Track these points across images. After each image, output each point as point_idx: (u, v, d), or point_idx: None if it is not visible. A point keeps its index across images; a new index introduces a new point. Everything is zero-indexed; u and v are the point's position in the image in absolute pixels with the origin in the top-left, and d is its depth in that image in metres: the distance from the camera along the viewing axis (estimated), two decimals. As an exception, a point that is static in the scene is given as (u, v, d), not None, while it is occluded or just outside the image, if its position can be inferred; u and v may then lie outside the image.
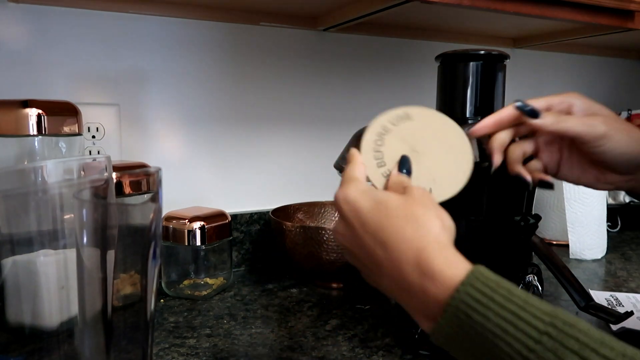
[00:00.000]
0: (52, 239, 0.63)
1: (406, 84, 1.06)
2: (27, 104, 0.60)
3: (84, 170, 0.69)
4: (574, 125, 0.43)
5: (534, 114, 0.44)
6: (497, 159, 0.46)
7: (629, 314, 0.53)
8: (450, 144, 0.45)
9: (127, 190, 0.71)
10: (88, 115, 0.77)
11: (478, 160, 0.48)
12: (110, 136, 0.81)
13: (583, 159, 0.47)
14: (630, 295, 0.76)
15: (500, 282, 0.31)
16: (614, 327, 0.63)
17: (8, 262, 0.62)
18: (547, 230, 1.04)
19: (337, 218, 0.36)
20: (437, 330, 0.33)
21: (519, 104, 0.45)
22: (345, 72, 0.99)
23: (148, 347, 0.46)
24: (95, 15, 0.78)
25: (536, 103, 0.45)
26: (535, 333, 0.29)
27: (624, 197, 1.12)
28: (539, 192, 1.03)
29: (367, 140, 0.43)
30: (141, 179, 0.73)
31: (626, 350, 0.28)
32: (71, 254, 0.64)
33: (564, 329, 0.28)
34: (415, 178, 0.43)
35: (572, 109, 0.46)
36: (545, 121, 0.43)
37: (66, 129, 0.63)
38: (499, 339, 0.29)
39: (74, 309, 0.63)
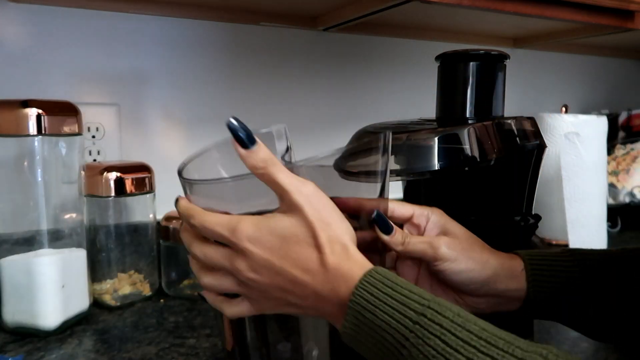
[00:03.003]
0: (52, 239, 0.63)
1: (406, 84, 1.06)
2: (27, 104, 0.60)
3: (84, 170, 0.69)
4: (416, 244, 0.43)
5: (387, 230, 0.42)
6: None
7: (629, 314, 0.52)
8: None
9: (127, 190, 0.71)
10: (88, 115, 0.77)
11: (478, 160, 0.48)
12: (110, 136, 0.81)
13: (434, 278, 0.45)
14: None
15: (387, 280, 0.33)
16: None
17: (8, 261, 0.62)
18: (547, 230, 1.04)
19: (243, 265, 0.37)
20: (343, 331, 0.34)
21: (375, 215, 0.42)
22: (345, 72, 0.99)
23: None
24: (95, 15, 0.78)
25: (402, 209, 0.45)
26: (412, 318, 0.31)
27: (624, 197, 1.12)
28: (539, 192, 1.02)
29: None
30: (141, 179, 0.73)
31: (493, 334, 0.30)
32: (71, 254, 0.65)
33: (436, 312, 0.31)
34: None
35: (427, 224, 0.45)
36: (393, 240, 0.42)
37: (66, 129, 0.63)
38: (385, 331, 0.31)
39: (73, 309, 0.64)
